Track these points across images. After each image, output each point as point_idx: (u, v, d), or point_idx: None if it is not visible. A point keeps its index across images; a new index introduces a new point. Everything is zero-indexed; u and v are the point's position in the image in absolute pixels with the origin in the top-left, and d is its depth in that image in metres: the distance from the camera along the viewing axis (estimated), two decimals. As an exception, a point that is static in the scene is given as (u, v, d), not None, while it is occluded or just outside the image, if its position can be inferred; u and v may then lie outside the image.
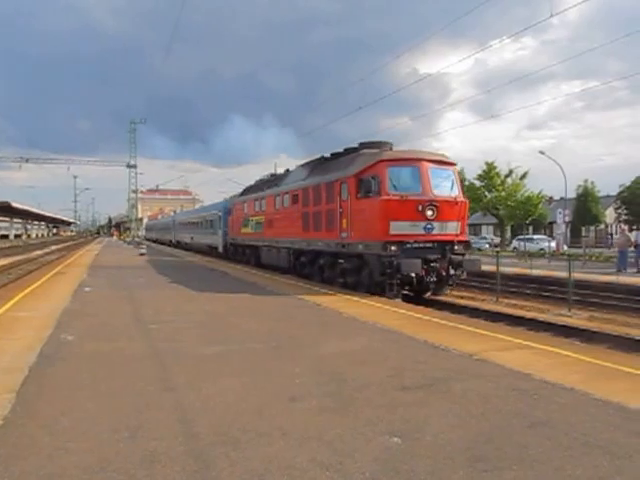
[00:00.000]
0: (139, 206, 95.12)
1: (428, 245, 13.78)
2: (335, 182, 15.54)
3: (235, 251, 28.21)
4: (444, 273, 13.73)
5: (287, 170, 22.88)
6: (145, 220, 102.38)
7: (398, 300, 13.30)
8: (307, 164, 19.38)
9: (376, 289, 13.91)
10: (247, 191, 26.98)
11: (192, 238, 42.11)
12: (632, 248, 23.38)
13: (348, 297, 12.99)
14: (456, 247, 14.10)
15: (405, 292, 14.63)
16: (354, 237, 14.44)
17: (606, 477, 3.57)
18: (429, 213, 13.57)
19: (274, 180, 23.00)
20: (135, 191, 74.82)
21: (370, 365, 6.45)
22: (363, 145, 16.12)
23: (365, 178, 13.86)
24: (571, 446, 4.05)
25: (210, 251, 34.78)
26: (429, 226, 13.68)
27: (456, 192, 14.38)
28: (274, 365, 6.44)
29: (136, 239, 67.01)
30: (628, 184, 64.76)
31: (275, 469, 3.65)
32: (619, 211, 66.13)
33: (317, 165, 18.31)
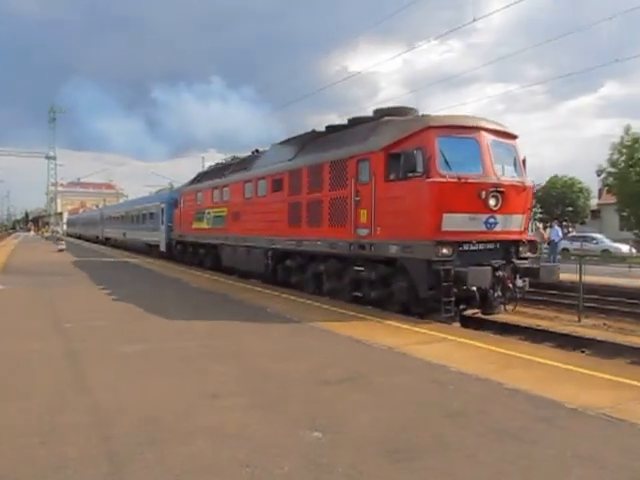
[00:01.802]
0: (59, 200, 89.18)
1: (490, 246, 9.97)
2: (347, 160, 11.42)
3: (184, 251, 23.38)
4: (510, 285, 9.95)
5: (256, 151, 18.45)
6: (66, 215, 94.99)
7: (456, 324, 9.40)
8: (293, 140, 15.12)
9: (417, 309, 9.95)
10: (201, 178, 22.26)
11: (125, 234, 36.55)
12: (546, 245, 24.37)
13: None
14: (521, 248, 10.37)
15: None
16: (381, 234, 10.40)
17: (513, 461, 3.76)
18: (492, 202, 9.75)
19: (240, 163, 18.51)
20: (55, 184, 68.08)
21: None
22: (379, 113, 12.07)
23: (405, 152, 9.81)
24: (483, 434, 4.23)
25: (149, 250, 29.60)
26: (492, 220, 9.87)
27: (521, 174, 10.65)
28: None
29: (56, 234, 60.09)
30: (543, 184, 65.73)
31: (193, 469, 3.63)
32: (534, 209, 67.05)
33: (309, 141, 14.09)
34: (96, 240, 50.24)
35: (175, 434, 4.19)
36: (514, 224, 10.23)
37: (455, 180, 9.43)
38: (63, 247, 34.51)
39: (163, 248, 26.49)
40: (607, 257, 29.53)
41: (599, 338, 10.60)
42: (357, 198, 11.06)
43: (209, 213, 19.72)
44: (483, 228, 9.82)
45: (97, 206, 75.32)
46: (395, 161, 10.16)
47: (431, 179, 9.44)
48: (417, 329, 8.44)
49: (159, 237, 27.38)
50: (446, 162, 9.62)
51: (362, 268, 11.01)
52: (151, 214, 29.57)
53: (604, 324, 12.91)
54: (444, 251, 9.36)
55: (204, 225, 20.24)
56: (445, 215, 9.44)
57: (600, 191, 53.07)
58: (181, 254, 23.65)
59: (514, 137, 10.72)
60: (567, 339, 10.49)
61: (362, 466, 3.67)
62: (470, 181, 9.55)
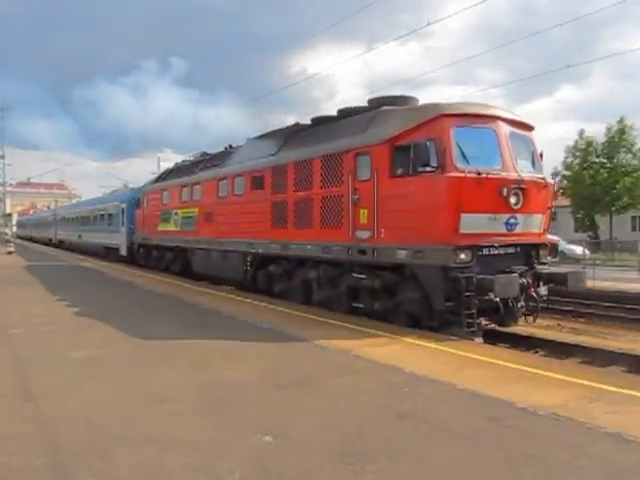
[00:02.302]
0: (8, 200, 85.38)
1: (510, 250, 8.86)
2: (343, 154, 10.15)
3: (148, 254, 21.60)
4: (534, 293, 8.85)
5: (229, 146, 16.96)
6: (15, 216, 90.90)
7: (479, 340, 8.23)
8: (273, 134, 13.73)
9: (430, 322, 8.75)
10: (166, 175, 20.56)
11: (81, 236, 34.25)
12: None
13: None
14: (541, 252, 9.31)
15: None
16: (386, 238, 9.17)
17: (462, 462, 3.75)
18: (513, 200, 8.65)
19: (212, 159, 16.97)
20: (3, 184, 64.49)
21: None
22: (375, 103, 10.84)
23: (415, 144, 8.58)
24: (433, 435, 4.26)
25: (107, 253, 27.60)
26: (512, 220, 8.77)
27: (540, 169, 9.59)
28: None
29: (4, 236, 56.82)
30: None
31: (142, 476, 3.58)
32: None
33: (293, 134, 12.74)
34: (49, 242, 47.44)
35: (123, 442, 4.11)
36: (534, 225, 9.16)
37: (474, 175, 8.27)
38: (12, 249, 33.39)
39: (124, 252, 24.61)
40: (562, 259, 29.21)
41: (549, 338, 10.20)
42: (355, 196, 9.79)
43: (177, 214, 18.10)
44: (503, 230, 8.70)
45: (49, 207, 71.98)
46: (402, 154, 8.94)
47: (448, 174, 8.26)
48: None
49: (119, 240, 25.48)
50: (463, 155, 8.47)
51: (363, 275, 9.75)
52: (110, 215, 27.58)
53: (558, 324, 12.44)
54: (462, 256, 8.19)
55: (171, 227, 18.59)
56: (463, 215, 8.27)
57: (555, 193, 53.50)
58: (145, 258, 21.86)
59: (531, 128, 9.66)
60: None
61: (313, 470, 3.67)
62: (491, 177, 8.42)
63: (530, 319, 9.12)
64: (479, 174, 8.29)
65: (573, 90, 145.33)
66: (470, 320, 8.10)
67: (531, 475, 3.59)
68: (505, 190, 8.48)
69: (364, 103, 11.34)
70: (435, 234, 8.35)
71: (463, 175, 8.21)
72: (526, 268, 8.92)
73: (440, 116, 8.59)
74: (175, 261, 18.71)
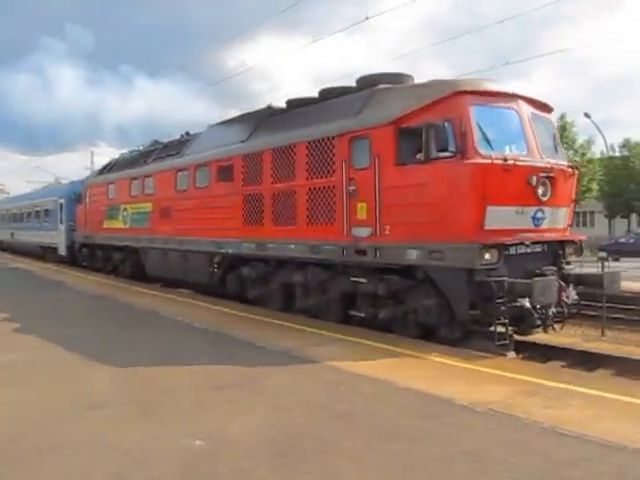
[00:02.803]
0: None
1: (537, 249, 7.70)
2: (335, 139, 8.73)
3: (92, 255, 19.39)
4: (565, 297, 7.72)
5: (186, 133, 15.15)
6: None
7: (511, 354, 7.03)
8: (240, 119, 12.14)
9: (451, 334, 7.49)
10: (112, 167, 18.43)
11: (13, 235, 31.21)
12: None
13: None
14: (567, 250, 8.22)
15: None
16: (392, 235, 7.84)
17: (399, 461, 3.74)
18: (541, 191, 7.50)
19: (167, 148, 15.13)
20: None
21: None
22: (365, 82, 9.45)
23: (429, 126, 7.26)
24: (373, 434, 4.21)
25: (43, 253, 25.04)
26: (539, 214, 7.64)
27: (562, 155, 8.49)
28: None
29: None
30: None
31: None
32: None
33: (266, 118, 11.21)
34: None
35: (44, 451, 3.95)
36: (560, 220, 8.06)
37: (501, 162, 7.06)
38: None
39: (63, 252, 22.24)
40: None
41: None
42: (351, 188, 8.40)
43: (126, 210, 16.14)
44: (530, 225, 7.56)
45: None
46: (410, 138, 7.62)
47: (471, 160, 7.00)
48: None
49: (57, 239, 23.05)
50: (486, 139, 7.24)
51: (363, 279, 8.37)
52: (46, 211, 24.99)
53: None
54: (487, 256, 6.98)
55: (120, 224, 16.59)
56: (489, 208, 7.05)
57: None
58: (89, 259, 19.66)
59: (550, 110, 8.54)
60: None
61: (246, 472, 3.60)
62: (519, 164, 7.23)
63: (557, 327, 7.98)
64: (506, 160, 7.09)
65: (516, 86, 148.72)
66: (502, 332, 6.90)
67: (467, 472, 3.58)
68: (534, 179, 7.32)
69: (312, 95, 10.14)
70: (457, 231, 7.08)
71: (489, 162, 6.98)
72: (555, 269, 7.80)
73: (458, 93, 7.31)
74: (125, 263, 16.73)
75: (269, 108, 11.57)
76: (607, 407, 4.83)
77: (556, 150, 8.25)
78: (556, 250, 7.96)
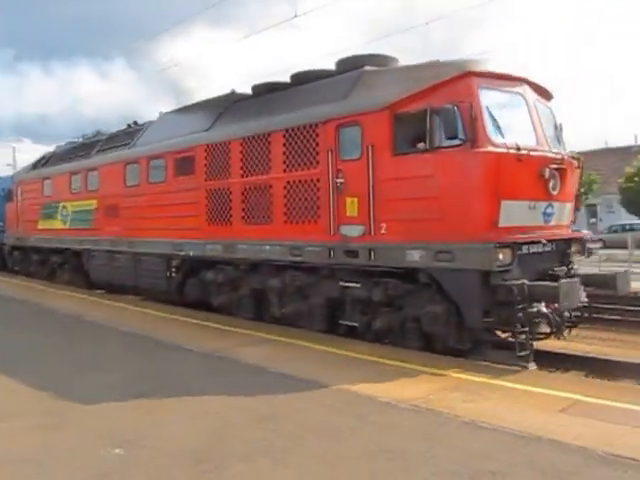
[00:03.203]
0: None
1: (547, 249, 7.03)
2: (318, 126, 7.77)
3: (24, 259, 17.49)
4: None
5: (134, 123, 13.72)
6: None
7: (532, 366, 6.30)
8: (202, 105, 10.95)
9: (461, 344, 6.71)
10: (48, 160, 16.63)
11: None
12: None
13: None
14: (573, 249, 7.61)
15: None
16: (389, 234, 6.98)
17: (322, 460, 3.75)
18: (552, 184, 6.85)
19: (112, 139, 13.63)
20: None
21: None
22: (345, 65, 8.52)
23: (433, 110, 6.44)
24: (295, 435, 4.21)
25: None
26: (549, 210, 6.99)
27: (564, 146, 7.87)
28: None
29: None
30: None
31: None
32: None
33: (231, 105, 10.11)
34: None
35: None
36: (565, 216, 7.46)
37: (515, 152, 6.34)
38: None
39: (-10, 255, 20.10)
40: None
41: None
42: (339, 181, 7.48)
43: (66, 208, 14.50)
44: (541, 221, 6.90)
45: None
46: (410, 125, 6.79)
47: (483, 149, 6.23)
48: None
49: (-17, 241, 20.83)
50: (497, 126, 6.50)
51: (355, 284, 7.46)
52: (-31, 210, 22.59)
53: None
54: (500, 257, 6.24)
55: (58, 224, 14.92)
56: (504, 203, 6.32)
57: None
58: (21, 263, 17.75)
59: (551, 97, 7.91)
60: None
61: None
62: (533, 154, 6.54)
63: (567, 332, 7.35)
64: (519, 150, 6.38)
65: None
66: (523, 341, 6.18)
67: (389, 468, 3.62)
68: (547, 171, 6.65)
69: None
70: (469, 228, 6.30)
71: (504, 151, 6.24)
72: (565, 269, 7.17)
73: (467, 74, 6.53)
74: (64, 267, 15.08)
75: (232, 94, 10.46)
76: (523, 400, 4.93)
77: (559, 141, 7.63)
78: (564, 249, 7.34)
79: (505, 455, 3.73)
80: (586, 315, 7.26)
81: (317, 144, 7.78)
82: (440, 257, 6.50)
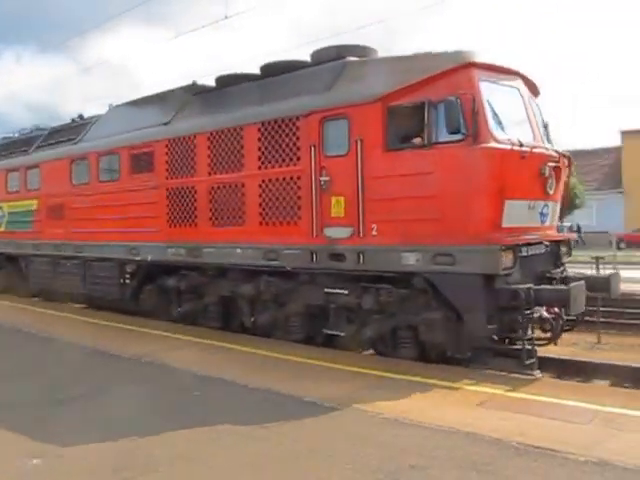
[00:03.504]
0: None
1: (542, 250, 6.73)
2: (300, 119, 7.17)
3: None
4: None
5: (80, 117, 12.60)
6: None
7: (538, 374, 5.93)
8: (159, 97, 10.07)
9: (461, 353, 6.27)
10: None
11: None
12: None
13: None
14: (562, 250, 7.36)
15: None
16: (381, 236, 6.46)
17: (249, 462, 3.76)
18: (549, 183, 6.56)
19: (55, 134, 12.45)
20: None
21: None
22: (323, 55, 7.94)
23: (431, 102, 6.01)
24: (222, 437, 4.19)
25: None
26: (545, 209, 6.72)
27: (553, 144, 7.61)
28: None
29: None
30: None
31: None
32: None
33: (193, 97, 9.33)
34: None
35: None
36: (556, 216, 7.20)
37: (518, 148, 5.99)
38: None
39: None
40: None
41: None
42: (324, 178, 6.90)
43: (1, 209, 13.16)
44: (538, 222, 6.60)
45: None
46: (404, 118, 6.33)
47: (487, 145, 5.83)
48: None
49: None
50: (498, 121, 6.13)
51: (342, 290, 6.88)
52: None
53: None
54: (504, 259, 5.86)
55: (-10, 227, 13.54)
56: (508, 202, 5.94)
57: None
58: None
59: (538, 93, 7.64)
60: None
61: None
62: (535, 151, 6.20)
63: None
64: (522, 146, 6.03)
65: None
66: (529, 348, 5.81)
67: (312, 467, 3.64)
68: (547, 170, 6.35)
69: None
70: (471, 229, 5.87)
71: (508, 147, 5.87)
72: (560, 271, 6.89)
73: (468, 65, 6.12)
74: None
75: (193, 86, 9.67)
76: (443, 396, 5.02)
77: (548, 138, 7.38)
78: (557, 250, 7.07)
79: (425, 449, 3.84)
80: (580, 319, 7.00)
81: (298, 138, 7.18)
82: (439, 260, 6.04)
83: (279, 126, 7.38)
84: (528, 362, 5.76)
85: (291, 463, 3.72)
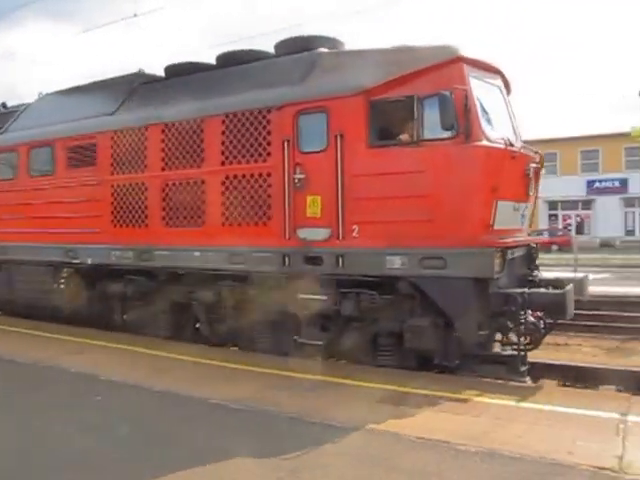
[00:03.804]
0: None
1: (522, 253, 6.59)
2: (272, 112, 6.63)
3: None
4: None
5: (2, 105, 11.30)
6: None
7: (529, 381, 5.74)
8: (100, 86, 9.15)
9: (449, 361, 5.97)
10: None
11: None
12: None
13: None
14: (533, 253, 7.25)
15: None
16: (363, 238, 6.05)
17: (127, 460, 3.77)
18: (531, 184, 6.46)
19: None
20: None
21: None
22: (289, 46, 7.44)
23: (421, 97, 5.70)
24: (124, 441, 4.13)
25: None
26: (526, 211, 6.62)
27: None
28: None
29: None
30: None
31: None
32: None
33: (141, 86, 8.54)
34: None
35: None
36: (530, 218, 7.10)
37: (510, 148, 5.80)
38: None
39: None
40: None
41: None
42: (299, 176, 6.41)
43: None
44: (519, 224, 6.45)
45: None
46: (389, 113, 5.98)
47: (482, 143, 5.58)
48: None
49: None
50: (487, 119, 5.91)
51: (319, 296, 6.39)
52: None
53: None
54: (497, 262, 5.65)
55: None
56: (500, 204, 5.73)
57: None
58: None
59: (511, 91, 7.52)
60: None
61: None
62: (523, 151, 6.05)
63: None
64: (510, 146, 5.84)
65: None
66: (524, 359, 5.60)
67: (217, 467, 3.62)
68: (531, 170, 6.22)
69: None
70: (464, 231, 5.59)
71: (502, 146, 5.66)
72: (537, 274, 6.79)
73: (457, 60, 5.85)
74: None
75: (140, 74, 8.88)
76: (347, 394, 5.19)
77: (520, 137, 7.28)
78: (531, 253, 6.96)
79: (327, 446, 3.90)
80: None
81: (269, 133, 6.64)
82: (427, 264, 5.72)
83: (247, 119, 6.80)
84: (524, 369, 5.55)
85: (195, 463, 3.69)
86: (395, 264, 5.88)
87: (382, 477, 3.51)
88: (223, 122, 7.00)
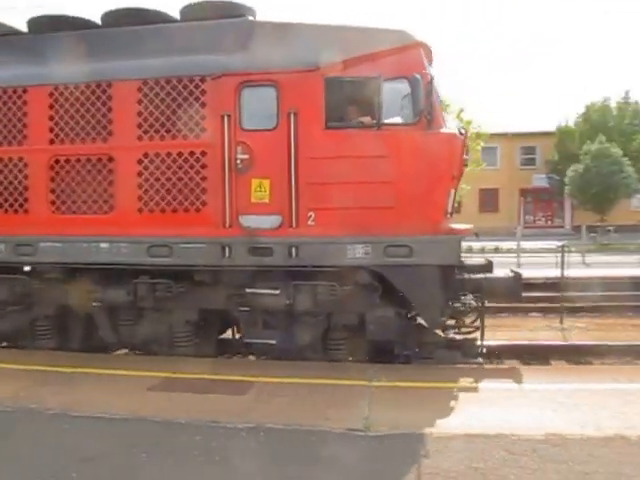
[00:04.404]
0: None
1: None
2: (205, 81, 5.80)
3: None
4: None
5: None
6: None
7: (481, 361, 5.92)
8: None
9: (417, 352, 5.90)
10: None
11: None
12: None
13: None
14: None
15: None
16: (320, 225, 5.65)
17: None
18: (464, 170, 6.68)
19: None
20: None
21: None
22: (196, 11, 6.44)
23: (387, 80, 5.45)
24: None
25: None
26: (456, 198, 6.80)
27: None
28: None
29: None
30: None
31: None
32: None
33: (15, 40, 6.83)
34: None
35: None
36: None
37: (462, 136, 5.90)
38: None
39: None
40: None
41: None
42: (242, 157, 5.73)
43: None
44: (450, 210, 6.62)
45: None
46: (349, 93, 5.65)
47: (444, 130, 5.58)
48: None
49: None
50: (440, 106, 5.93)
51: (270, 290, 5.77)
52: None
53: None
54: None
55: None
56: (452, 191, 5.81)
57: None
58: None
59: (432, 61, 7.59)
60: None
61: None
62: (464, 138, 6.18)
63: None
64: (462, 133, 5.97)
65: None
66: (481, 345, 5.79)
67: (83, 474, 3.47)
68: (466, 157, 6.40)
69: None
70: (428, 219, 5.55)
71: (463, 133, 5.75)
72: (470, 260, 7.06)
73: (417, 45, 5.72)
74: None
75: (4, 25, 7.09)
76: (113, 384, 5.16)
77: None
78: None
79: (98, 440, 3.87)
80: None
81: (203, 105, 5.80)
82: (392, 252, 5.56)
83: (173, 87, 5.85)
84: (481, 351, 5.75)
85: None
86: (357, 254, 5.60)
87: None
88: (140, 89, 5.92)
